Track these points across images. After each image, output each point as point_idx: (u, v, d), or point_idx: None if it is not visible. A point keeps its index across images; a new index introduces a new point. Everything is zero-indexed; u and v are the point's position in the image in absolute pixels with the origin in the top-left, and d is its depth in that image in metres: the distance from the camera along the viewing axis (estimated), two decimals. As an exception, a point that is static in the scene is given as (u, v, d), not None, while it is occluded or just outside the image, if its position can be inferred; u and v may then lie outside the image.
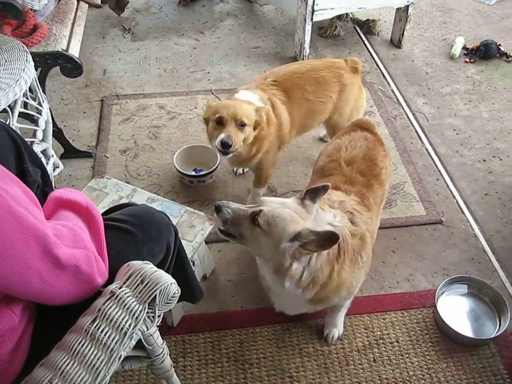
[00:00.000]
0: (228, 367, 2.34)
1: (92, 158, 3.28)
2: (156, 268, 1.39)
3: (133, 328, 1.31)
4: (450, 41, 4.45)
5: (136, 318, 1.32)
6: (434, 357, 2.41)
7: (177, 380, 2.15)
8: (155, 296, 1.34)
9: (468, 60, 4.25)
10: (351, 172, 2.34)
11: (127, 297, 1.34)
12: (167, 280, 1.35)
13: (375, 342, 2.46)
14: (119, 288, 1.36)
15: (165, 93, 3.82)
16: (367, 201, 2.27)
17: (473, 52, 4.27)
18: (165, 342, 1.81)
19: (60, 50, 2.78)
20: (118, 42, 4.35)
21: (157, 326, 1.63)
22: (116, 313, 1.31)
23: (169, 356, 1.99)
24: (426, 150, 3.45)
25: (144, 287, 1.35)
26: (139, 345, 1.64)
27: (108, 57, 4.18)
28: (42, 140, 2.79)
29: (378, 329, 2.50)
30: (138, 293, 1.35)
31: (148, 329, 1.39)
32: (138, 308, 1.33)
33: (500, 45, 4.26)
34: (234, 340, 2.44)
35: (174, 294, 1.37)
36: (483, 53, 4.22)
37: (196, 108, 3.67)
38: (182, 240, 2.30)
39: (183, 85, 3.91)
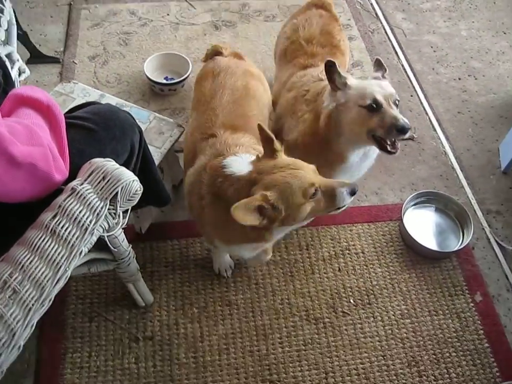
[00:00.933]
0: (195, 273, 2.38)
1: (59, 63, 3.17)
2: (117, 165, 1.37)
3: (94, 224, 1.30)
4: (433, -45, 4.31)
5: (97, 214, 1.30)
6: (397, 268, 2.47)
7: (144, 285, 2.18)
8: (116, 192, 1.32)
9: (451, -26, 4.13)
10: (311, 48, 2.44)
11: (88, 193, 1.31)
12: (129, 177, 1.33)
13: (341, 252, 2.50)
14: (80, 185, 1.33)
15: (137, -2, 3.67)
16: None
17: (456, -33, 4.14)
18: (131, 246, 1.83)
19: None
20: None
21: (123, 229, 1.63)
22: (77, 209, 1.30)
23: (137, 261, 2.00)
24: (402, 66, 3.40)
25: (105, 183, 1.32)
26: (105, 247, 1.65)
27: (76, -42, 3.96)
28: (6, 43, 2.67)
29: (345, 240, 2.54)
30: (100, 190, 1.33)
31: (109, 227, 1.37)
32: (99, 204, 1.31)
33: (483, -39, 4.14)
34: (202, 247, 2.46)
35: (136, 191, 1.35)
36: (467, -32, 4.10)
37: (168, 14, 3.53)
38: (150, 147, 2.26)
39: (155, -9, 3.75)
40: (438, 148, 2.96)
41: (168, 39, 3.36)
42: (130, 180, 1.33)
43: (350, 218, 2.61)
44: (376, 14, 3.74)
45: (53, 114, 1.48)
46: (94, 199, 1.32)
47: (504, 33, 3.72)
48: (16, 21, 2.81)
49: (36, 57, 3.14)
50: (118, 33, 3.37)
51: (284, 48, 2.55)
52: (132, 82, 3.08)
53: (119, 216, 1.35)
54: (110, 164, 1.36)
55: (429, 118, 3.10)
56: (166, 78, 3.07)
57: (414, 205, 2.65)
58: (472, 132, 3.07)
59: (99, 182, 1.33)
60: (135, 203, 1.39)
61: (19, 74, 2.98)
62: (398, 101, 1.97)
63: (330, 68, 1.94)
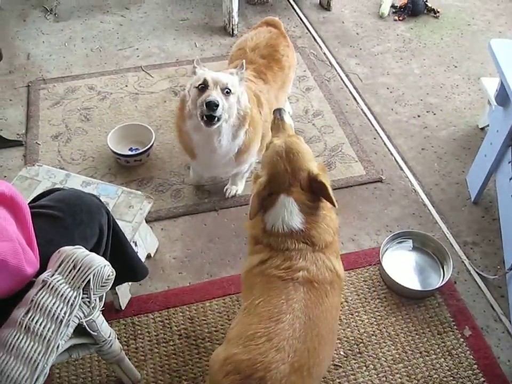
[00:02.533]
0: (180, 344, 2.32)
1: (22, 146, 3.15)
2: (87, 252, 1.35)
3: (68, 316, 1.27)
4: (378, 0, 4.45)
5: (71, 304, 1.28)
6: (383, 313, 2.45)
7: (129, 363, 2.12)
8: (89, 280, 1.29)
9: (396, 17, 4.28)
10: (253, 55, 2.77)
11: (60, 284, 1.29)
12: (99, 263, 1.31)
13: (324, 304, 2.48)
14: (51, 276, 1.31)
15: (94, 73, 3.69)
16: (263, 76, 2.73)
17: (402, 9, 4.29)
18: (112, 324, 1.78)
19: (-26, 35, 2.64)
20: (40, 24, 4.16)
21: (101, 311, 1.59)
22: (50, 302, 1.27)
23: (120, 339, 1.96)
24: (362, 110, 3.46)
25: (76, 272, 1.30)
26: (84, 332, 1.60)
27: (30, 40, 3.99)
28: (-34, 132, 2.67)
29: (327, 291, 2.52)
30: (71, 279, 1.30)
31: (85, 315, 1.34)
32: (72, 294, 1.29)
33: (427, 1, 4.29)
34: (184, 316, 2.42)
35: (108, 276, 1.33)
36: (411, 10, 4.24)
37: (126, 86, 3.57)
38: (120, 222, 2.25)
39: (112, 64, 3.79)
40: (407, 186, 2.99)
41: (129, 109, 3.38)
42: (101, 266, 1.31)
43: (330, 267, 2.60)
44: (330, 62, 3.83)
45: (17, 205, 1.46)
46: (66, 289, 1.29)
47: (455, 66, 3.83)
48: (-25, 109, 2.83)
49: (-2, 143, 3.13)
50: (79, 110, 3.38)
51: (232, 54, 2.96)
52: (97, 157, 3.08)
53: (94, 302, 1.32)
54: (80, 251, 1.34)
55: (395, 158, 3.14)
56: (130, 149, 3.08)
57: (391, 247, 2.66)
58: (438, 166, 3.11)
59: (70, 271, 1.31)
60: (109, 287, 1.36)
61: (-18, 162, 2.98)
62: (229, 89, 2.31)
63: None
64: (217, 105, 2.22)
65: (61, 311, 1.27)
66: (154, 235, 2.63)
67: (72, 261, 1.32)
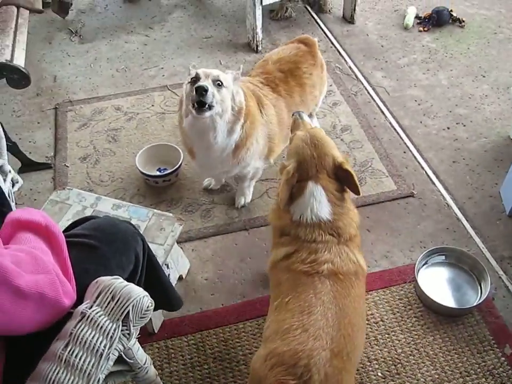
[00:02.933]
0: (215, 367, 2.29)
1: (51, 169, 3.17)
2: (125, 282, 1.33)
3: (108, 349, 1.25)
4: (402, 11, 4.42)
5: (111, 337, 1.26)
6: (420, 332, 2.40)
7: (164, 388, 2.10)
8: (128, 312, 1.27)
9: (421, 28, 4.23)
10: (272, 67, 2.77)
11: (99, 316, 1.27)
12: (138, 294, 1.29)
13: (360, 323, 2.43)
14: (90, 308, 1.29)
15: (120, 93, 3.71)
16: (273, 86, 2.71)
17: (426, 20, 4.24)
18: (147, 353, 1.76)
19: (4, 61, 2.66)
20: (65, 46, 4.21)
21: (136, 338, 1.57)
22: (89, 335, 1.25)
23: (154, 363, 1.94)
24: (390, 123, 3.42)
25: (115, 304, 1.28)
26: (120, 359, 1.58)
27: (57, 62, 4.04)
28: (-3, 156, 2.68)
29: (362, 311, 2.48)
30: (110, 311, 1.28)
31: (124, 348, 1.32)
32: (111, 327, 1.27)
33: (451, 10, 4.24)
34: (218, 339, 2.39)
35: (147, 307, 1.30)
36: (436, 20, 4.20)
37: (153, 105, 3.57)
38: (152, 244, 2.24)
39: (137, 84, 3.81)
40: (439, 200, 2.94)
41: (156, 129, 3.38)
42: (140, 297, 1.29)
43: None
44: (356, 76, 3.80)
45: (52, 235, 1.45)
46: (105, 322, 1.27)
47: (483, 76, 3.77)
48: (5, 132, 2.83)
49: (27, 166, 3.14)
50: (106, 131, 3.40)
51: (257, 64, 2.98)
52: (125, 178, 3.08)
53: (133, 333, 1.30)
54: (118, 282, 1.32)
55: (426, 172, 3.09)
56: (159, 169, 3.07)
57: (426, 263, 2.60)
58: (470, 179, 3.06)
59: (108, 303, 1.29)
60: (148, 319, 1.34)
61: (12, 185, 2.98)
62: (220, 81, 2.30)
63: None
64: (206, 90, 2.19)
65: (100, 344, 1.25)
66: (185, 256, 2.61)
67: (111, 292, 1.30)
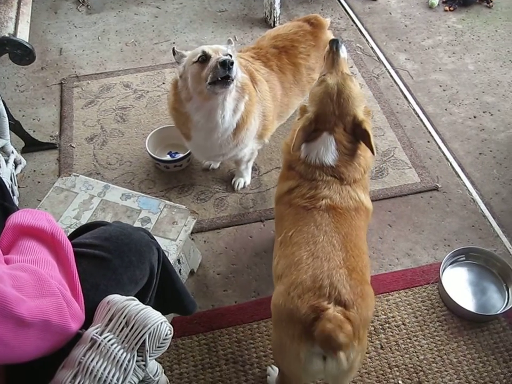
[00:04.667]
0: (227, 370, 2.18)
1: (56, 149, 3.01)
2: (141, 305, 1.18)
3: (121, 383, 1.10)
4: (427, -11, 4.20)
5: (125, 369, 1.11)
6: (443, 337, 2.27)
7: (174, 393, 1.98)
8: (144, 340, 1.12)
9: (447, 8, 4.01)
10: (266, 42, 2.66)
11: (111, 344, 1.12)
12: (156, 320, 1.14)
13: (380, 327, 2.31)
14: (101, 334, 1.14)
15: (129, 69, 3.52)
16: (265, 60, 2.58)
17: (452, -1, 4.03)
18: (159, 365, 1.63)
19: (7, 35, 2.49)
20: (72, 16, 4.01)
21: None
22: (100, 366, 1.10)
23: (163, 364, 1.82)
24: (414, 110, 3.24)
25: (130, 331, 1.13)
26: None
27: (62, 34, 3.84)
28: (-1, 136, 2.54)
29: (383, 313, 2.35)
30: (124, 339, 1.14)
31: (139, 380, 1.18)
32: (125, 357, 1.12)
33: (479, -11, 4.03)
34: (231, 339, 2.26)
35: (166, 335, 1.16)
36: (462, -1, 3.99)
37: (164, 83, 3.39)
38: (164, 240, 2.10)
39: (147, 59, 3.62)
40: (465, 195, 2.78)
41: (167, 109, 3.20)
42: (157, 324, 1.14)
43: (385, 286, 2.42)
44: (378, 57, 3.60)
45: (59, 245, 1.31)
46: (118, 351, 1.13)
47: (512, 61, 3.58)
48: (7, 110, 2.68)
49: (31, 145, 2.99)
50: (114, 109, 3.23)
51: (258, 39, 2.82)
52: (134, 161, 2.92)
53: (148, 365, 1.15)
54: (132, 305, 1.17)
55: (451, 164, 2.93)
56: (170, 153, 2.91)
57: (451, 264, 2.46)
58: (498, 173, 2.89)
59: (122, 329, 1.15)
60: (167, 348, 1.20)
61: (15, 167, 2.84)
62: (230, 55, 2.14)
63: (173, 51, 2.29)
64: (233, 63, 2.05)
65: (113, 377, 1.10)
66: (197, 249, 2.47)
67: (124, 317, 1.15)
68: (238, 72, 2.21)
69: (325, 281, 1.58)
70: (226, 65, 2.04)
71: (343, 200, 1.83)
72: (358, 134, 1.88)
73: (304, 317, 1.53)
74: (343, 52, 2.05)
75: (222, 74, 2.06)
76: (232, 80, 2.11)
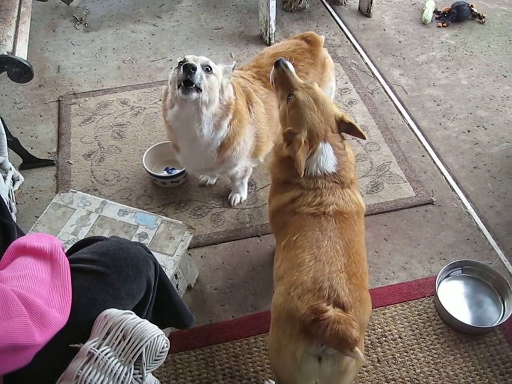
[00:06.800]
0: (225, 385, 2.18)
1: (54, 166, 3.03)
2: (138, 319, 1.19)
3: (118, 396, 1.12)
4: (420, 5, 4.25)
5: (122, 382, 1.12)
6: (440, 350, 2.28)
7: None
8: (141, 354, 1.14)
9: (440, 24, 4.07)
10: (266, 61, 2.64)
11: (108, 358, 1.14)
12: (152, 334, 1.16)
13: (377, 340, 2.32)
14: (98, 348, 1.15)
15: (126, 86, 3.56)
16: (265, 79, 2.57)
17: (445, 15, 4.08)
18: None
19: (5, 54, 2.51)
20: (70, 34, 4.05)
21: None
22: (98, 379, 1.12)
23: (160, 379, 1.82)
24: (408, 125, 3.27)
25: (127, 344, 1.15)
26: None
27: (60, 52, 3.88)
28: (-3, 154, 2.56)
29: (379, 326, 2.36)
30: (121, 352, 1.15)
31: (136, 393, 1.19)
32: (122, 370, 1.14)
33: (472, 6, 4.08)
34: (228, 354, 2.27)
35: (163, 348, 1.17)
36: (455, 15, 4.04)
37: (160, 100, 3.42)
38: (161, 255, 2.12)
39: (144, 76, 3.66)
40: (459, 209, 2.80)
41: (164, 126, 3.22)
42: (154, 336, 1.16)
43: (381, 300, 2.43)
44: (373, 73, 3.64)
45: (55, 262, 1.32)
46: (116, 364, 1.14)
47: (505, 76, 3.62)
48: (5, 127, 2.70)
49: (29, 162, 3.01)
50: (112, 126, 3.25)
51: (253, 57, 2.86)
52: (131, 177, 2.94)
53: (145, 378, 1.16)
54: (129, 319, 1.18)
55: (445, 178, 2.95)
56: (167, 169, 2.94)
57: (446, 277, 2.48)
58: (492, 186, 2.92)
59: (119, 343, 1.16)
60: (163, 361, 1.21)
61: (13, 183, 2.86)
62: (210, 66, 2.19)
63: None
64: (195, 68, 2.07)
65: (110, 390, 1.12)
66: (194, 264, 2.49)
67: (121, 330, 1.17)
68: (213, 88, 2.21)
69: (325, 284, 1.61)
70: (187, 68, 2.07)
71: (346, 204, 1.88)
72: (344, 129, 1.98)
73: (303, 317, 1.55)
74: (291, 66, 2.12)
75: (183, 78, 2.10)
76: (198, 88, 2.12)
